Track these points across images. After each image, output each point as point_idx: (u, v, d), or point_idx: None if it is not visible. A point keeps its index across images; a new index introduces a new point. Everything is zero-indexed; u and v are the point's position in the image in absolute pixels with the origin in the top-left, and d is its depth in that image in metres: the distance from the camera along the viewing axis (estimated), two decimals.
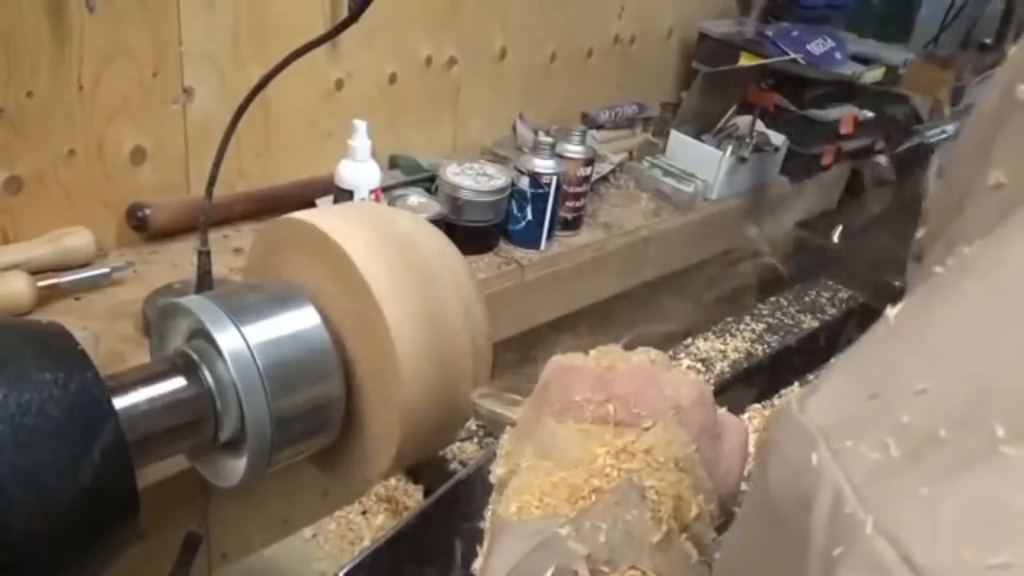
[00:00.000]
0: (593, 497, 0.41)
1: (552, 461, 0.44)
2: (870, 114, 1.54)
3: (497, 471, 0.46)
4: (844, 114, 1.50)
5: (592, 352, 0.50)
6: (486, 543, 0.43)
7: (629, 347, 0.50)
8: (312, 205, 1.06)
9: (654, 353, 0.50)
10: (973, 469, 0.18)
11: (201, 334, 0.57)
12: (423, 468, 1.04)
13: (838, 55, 1.61)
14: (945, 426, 0.19)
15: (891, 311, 0.24)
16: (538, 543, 0.38)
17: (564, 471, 0.43)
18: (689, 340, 1.28)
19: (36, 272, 0.87)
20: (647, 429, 0.44)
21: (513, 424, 0.50)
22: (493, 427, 0.65)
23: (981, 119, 0.28)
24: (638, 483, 0.41)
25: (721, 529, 0.45)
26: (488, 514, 0.45)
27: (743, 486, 0.49)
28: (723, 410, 0.49)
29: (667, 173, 1.37)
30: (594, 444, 0.43)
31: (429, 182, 1.16)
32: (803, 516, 0.21)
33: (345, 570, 0.70)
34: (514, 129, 1.36)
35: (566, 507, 0.41)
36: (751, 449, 0.50)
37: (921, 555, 0.18)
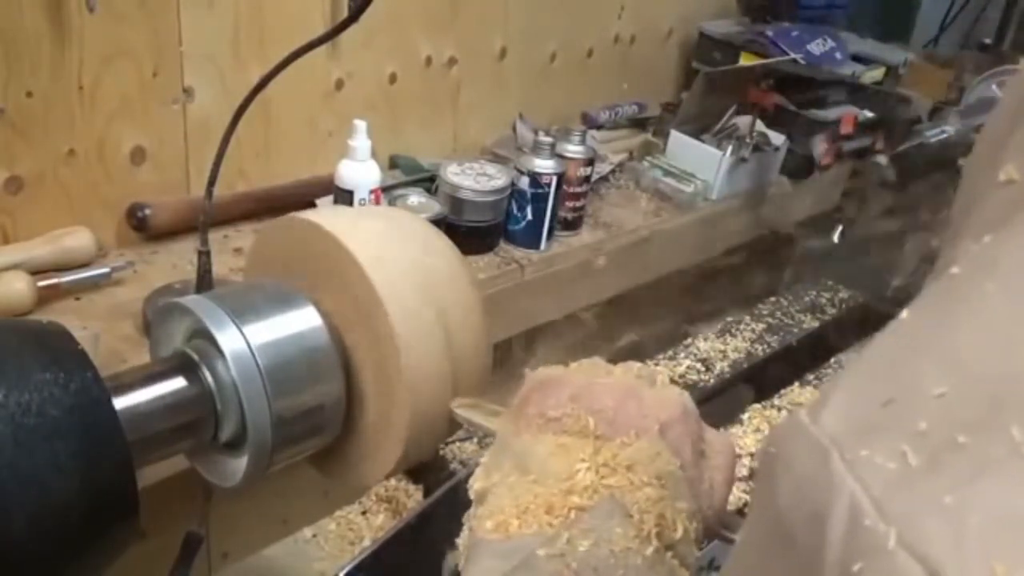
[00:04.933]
0: (573, 515, 0.40)
1: (531, 476, 0.42)
2: (870, 114, 1.54)
3: (475, 485, 0.45)
4: (844, 114, 1.50)
5: (573, 365, 0.49)
6: (462, 562, 0.42)
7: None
8: (312, 205, 1.06)
9: (638, 367, 0.49)
10: (997, 475, 0.18)
11: (201, 334, 0.57)
12: (423, 468, 1.04)
13: (838, 55, 1.61)
14: (964, 431, 0.19)
15: (905, 314, 0.23)
16: (518, 563, 0.37)
17: (543, 487, 0.41)
18: (689, 340, 1.28)
19: (36, 272, 0.87)
20: (628, 444, 0.43)
21: (492, 436, 0.49)
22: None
23: (998, 121, 0.28)
24: (620, 500, 0.40)
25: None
26: (465, 530, 0.44)
27: (729, 505, 0.48)
28: (709, 427, 0.48)
29: (667, 173, 1.37)
30: (574, 459, 0.42)
31: (429, 182, 1.16)
32: (817, 532, 0.20)
33: (345, 570, 0.70)
34: (514, 129, 1.36)
35: (545, 524, 0.40)
36: (743, 467, 0.49)
37: (950, 570, 0.17)
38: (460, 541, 0.43)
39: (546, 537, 0.38)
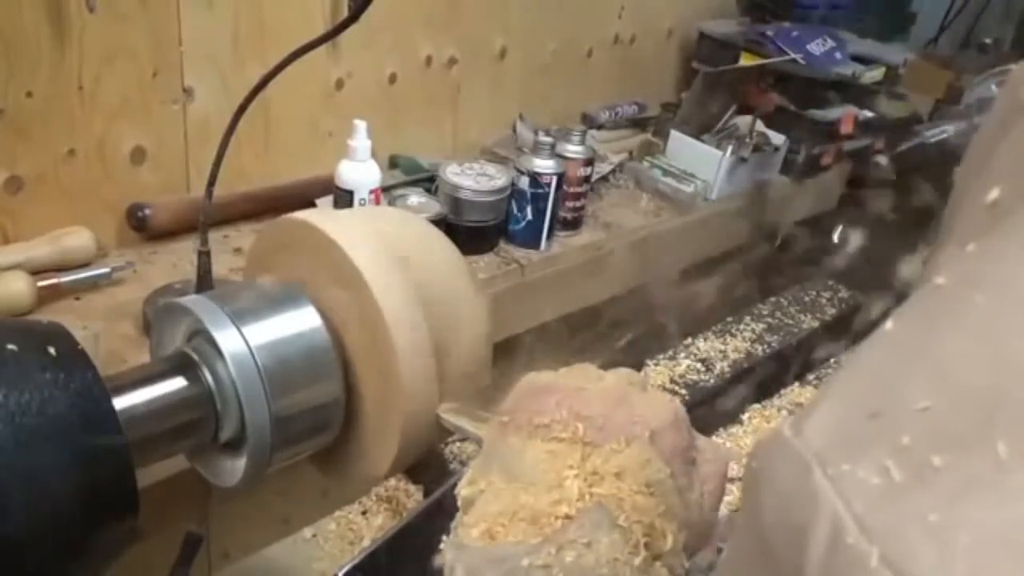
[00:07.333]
0: (560, 523, 0.39)
1: (518, 483, 0.42)
2: (870, 114, 1.54)
3: (463, 491, 0.44)
4: (844, 114, 1.49)
5: (563, 370, 0.48)
6: (447, 569, 0.41)
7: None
8: (312, 205, 1.06)
9: (629, 373, 0.48)
10: (982, 492, 0.17)
11: (201, 334, 0.57)
12: (423, 468, 1.04)
13: (838, 55, 1.61)
14: (949, 446, 0.18)
15: (889, 325, 0.22)
16: (503, 572, 0.37)
17: (530, 494, 0.41)
18: (689, 340, 1.28)
19: (36, 272, 0.87)
20: (618, 451, 0.42)
21: (479, 441, 0.49)
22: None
23: (988, 128, 0.28)
24: (608, 509, 0.39)
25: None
26: (451, 536, 0.43)
27: (721, 513, 0.47)
28: (701, 435, 0.47)
29: (667, 173, 1.37)
30: (562, 466, 0.42)
31: (429, 182, 1.16)
32: (798, 548, 0.20)
33: (345, 570, 0.70)
34: (514, 129, 1.36)
35: (532, 533, 0.39)
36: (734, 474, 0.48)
37: None
38: (445, 547, 0.43)
39: (532, 546, 0.38)
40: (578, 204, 1.19)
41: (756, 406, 1.21)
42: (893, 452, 0.19)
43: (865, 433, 0.20)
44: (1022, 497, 0.17)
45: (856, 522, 0.19)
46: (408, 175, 1.18)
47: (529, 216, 1.13)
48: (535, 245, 1.15)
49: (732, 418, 1.18)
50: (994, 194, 0.24)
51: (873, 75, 1.64)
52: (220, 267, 0.89)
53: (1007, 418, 0.18)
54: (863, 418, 0.21)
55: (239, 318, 0.56)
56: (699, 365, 1.21)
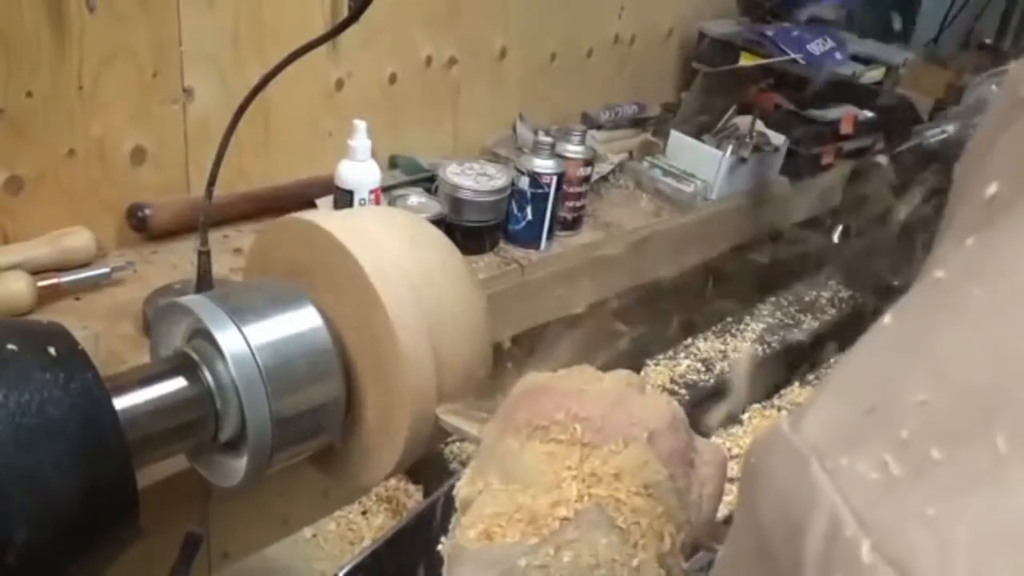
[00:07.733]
0: (558, 524, 0.39)
1: (516, 484, 0.42)
2: (870, 114, 1.54)
3: (461, 492, 0.44)
4: (844, 114, 1.50)
5: (562, 372, 0.48)
6: (444, 571, 0.42)
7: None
8: (312, 205, 1.06)
9: (628, 375, 0.48)
10: (982, 486, 0.17)
11: (201, 334, 0.57)
12: (423, 468, 1.04)
13: (838, 55, 1.61)
14: (949, 440, 0.18)
15: (887, 319, 0.22)
16: (499, 573, 0.37)
17: (528, 496, 0.41)
18: (689, 340, 1.28)
19: (36, 272, 0.87)
20: (616, 452, 0.42)
21: (478, 442, 0.49)
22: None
23: (987, 124, 0.28)
24: (606, 510, 0.39)
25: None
26: (449, 537, 0.43)
27: (719, 515, 0.47)
28: (699, 436, 0.47)
29: (667, 173, 1.37)
30: (560, 467, 0.41)
31: (429, 182, 1.16)
32: (795, 544, 0.20)
33: (345, 570, 0.70)
34: (514, 129, 1.36)
35: (529, 534, 0.39)
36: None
37: None
38: (442, 548, 0.43)
39: (529, 547, 0.38)
40: (578, 204, 1.19)
41: (756, 406, 1.21)
42: (892, 446, 0.19)
43: (864, 427, 0.20)
44: (1021, 490, 0.17)
45: (854, 516, 0.19)
46: (408, 175, 1.18)
47: (529, 216, 1.13)
48: (535, 245, 1.15)
49: (732, 418, 1.18)
50: (993, 189, 0.24)
51: (873, 75, 1.64)
52: (220, 267, 0.89)
53: (1006, 412, 0.18)
54: (861, 412, 0.20)
55: (239, 318, 0.56)
56: (699, 365, 1.21)
